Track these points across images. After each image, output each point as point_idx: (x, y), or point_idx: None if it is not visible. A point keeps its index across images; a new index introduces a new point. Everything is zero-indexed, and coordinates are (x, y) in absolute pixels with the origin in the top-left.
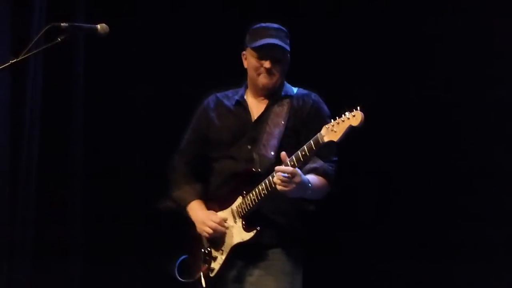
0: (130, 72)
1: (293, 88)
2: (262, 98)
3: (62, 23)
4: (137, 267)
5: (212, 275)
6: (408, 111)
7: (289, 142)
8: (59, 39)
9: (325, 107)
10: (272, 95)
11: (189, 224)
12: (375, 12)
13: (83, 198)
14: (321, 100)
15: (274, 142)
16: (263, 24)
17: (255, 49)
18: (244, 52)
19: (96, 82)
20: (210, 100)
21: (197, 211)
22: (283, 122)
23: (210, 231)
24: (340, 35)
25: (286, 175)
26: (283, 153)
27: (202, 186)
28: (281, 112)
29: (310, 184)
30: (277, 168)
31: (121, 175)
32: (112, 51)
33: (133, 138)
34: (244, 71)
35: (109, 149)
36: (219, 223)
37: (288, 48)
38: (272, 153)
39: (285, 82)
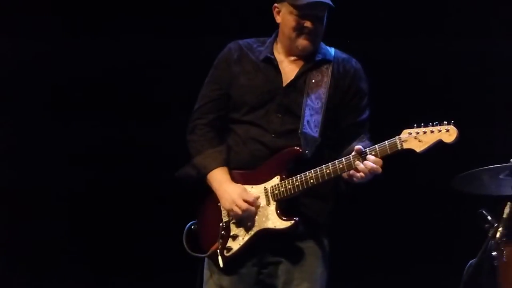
0: None
1: (329, 48)
2: (295, 58)
3: None
4: None
5: (227, 254)
6: None
7: (330, 119)
8: None
9: (365, 79)
10: (308, 57)
11: (207, 190)
12: None
13: None
14: (361, 69)
15: (317, 118)
16: None
17: (296, 7)
18: (276, 5)
19: None
20: (233, 49)
21: (223, 183)
22: (324, 95)
23: (240, 212)
24: None
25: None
26: (358, 147)
27: (227, 150)
28: (321, 82)
29: None
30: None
31: None
32: None
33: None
34: None
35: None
36: (252, 203)
37: (332, 4)
38: (317, 131)
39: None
